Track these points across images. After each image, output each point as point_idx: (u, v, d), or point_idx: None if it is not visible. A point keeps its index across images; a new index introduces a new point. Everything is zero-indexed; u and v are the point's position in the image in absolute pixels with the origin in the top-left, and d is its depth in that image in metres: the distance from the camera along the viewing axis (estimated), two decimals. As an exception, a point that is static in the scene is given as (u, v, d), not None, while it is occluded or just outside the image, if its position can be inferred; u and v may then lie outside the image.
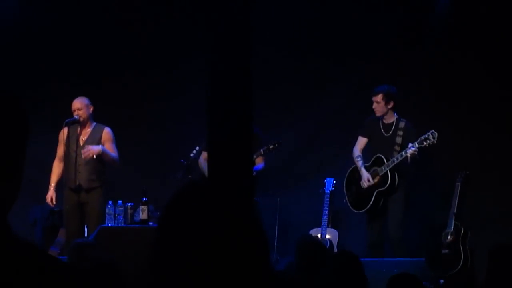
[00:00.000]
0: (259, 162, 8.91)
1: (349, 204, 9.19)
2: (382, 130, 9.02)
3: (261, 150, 8.70)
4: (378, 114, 8.97)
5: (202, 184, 1.71)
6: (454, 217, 8.99)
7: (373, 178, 8.92)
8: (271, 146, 8.68)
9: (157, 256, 1.65)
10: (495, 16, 9.47)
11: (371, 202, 8.92)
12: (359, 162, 9.06)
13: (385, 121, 9.02)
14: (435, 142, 8.55)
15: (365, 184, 8.95)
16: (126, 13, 10.09)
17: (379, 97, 8.92)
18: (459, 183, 9.11)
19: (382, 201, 8.91)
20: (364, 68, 9.81)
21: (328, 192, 9.38)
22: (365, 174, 8.97)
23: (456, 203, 9.03)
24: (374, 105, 8.95)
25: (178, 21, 9.96)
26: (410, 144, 8.66)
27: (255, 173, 8.61)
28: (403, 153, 8.69)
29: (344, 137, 9.48)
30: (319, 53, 10.00)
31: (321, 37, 9.97)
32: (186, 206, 1.66)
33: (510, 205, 9.36)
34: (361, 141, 9.16)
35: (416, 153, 8.60)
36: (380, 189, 8.89)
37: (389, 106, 8.93)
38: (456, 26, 9.61)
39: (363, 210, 9.03)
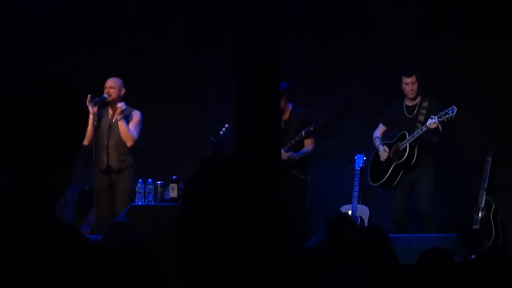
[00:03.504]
0: (308, 144, 8.96)
1: (368, 177, 9.26)
2: (406, 113, 9.02)
3: (303, 132, 8.78)
4: (413, 95, 8.93)
5: (224, 158, 1.71)
6: (485, 193, 8.94)
7: (395, 152, 8.97)
8: (312, 128, 8.76)
9: (182, 228, 1.66)
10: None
11: (388, 174, 8.99)
12: (377, 142, 9.20)
13: (408, 104, 9.01)
14: (453, 117, 8.54)
15: (382, 155, 9.05)
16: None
17: (414, 77, 8.89)
18: (490, 158, 9.06)
19: (400, 175, 8.95)
20: (391, 46, 9.77)
21: (358, 168, 9.37)
22: (380, 147, 9.11)
23: (487, 178, 8.98)
24: (410, 86, 8.90)
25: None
26: (430, 117, 8.64)
27: (298, 156, 8.82)
28: (423, 127, 8.68)
29: (374, 113, 9.45)
30: (348, 33, 9.97)
31: (348, 18, 9.96)
32: (208, 180, 1.67)
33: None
34: (381, 128, 9.30)
35: (436, 125, 8.56)
36: (397, 162, 8.93)
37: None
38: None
39: (380, 183, 9.11)
